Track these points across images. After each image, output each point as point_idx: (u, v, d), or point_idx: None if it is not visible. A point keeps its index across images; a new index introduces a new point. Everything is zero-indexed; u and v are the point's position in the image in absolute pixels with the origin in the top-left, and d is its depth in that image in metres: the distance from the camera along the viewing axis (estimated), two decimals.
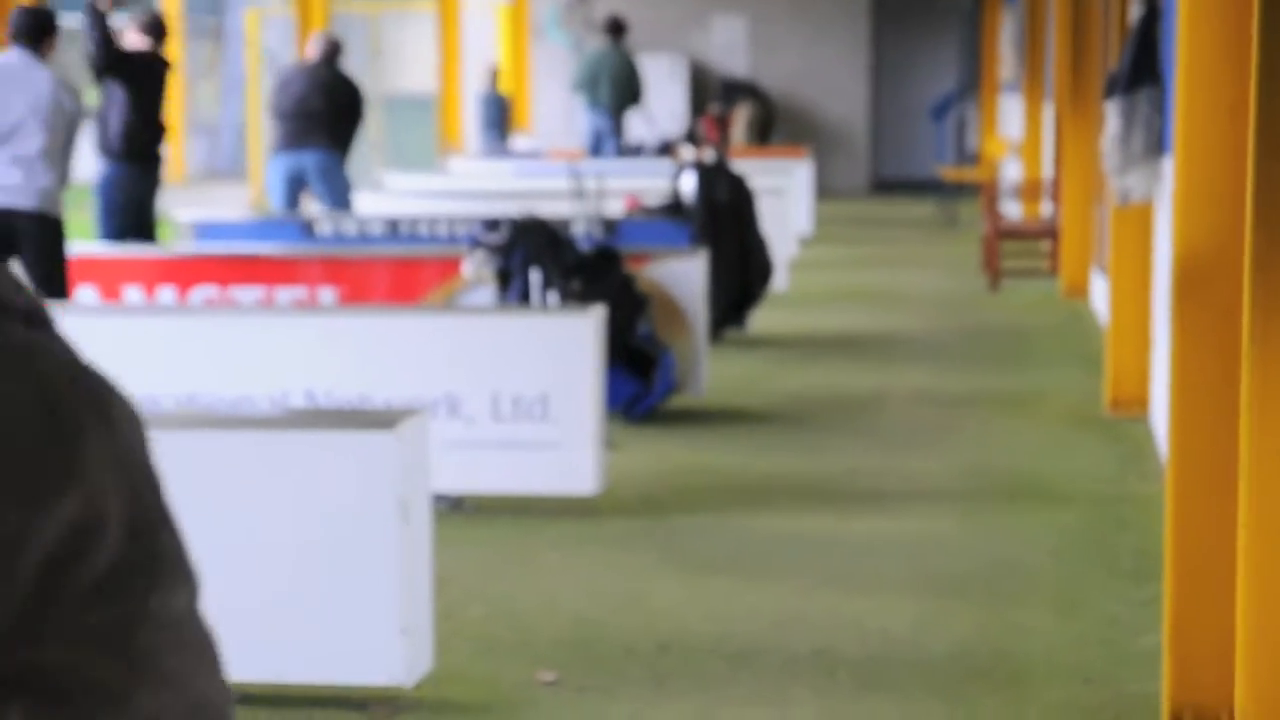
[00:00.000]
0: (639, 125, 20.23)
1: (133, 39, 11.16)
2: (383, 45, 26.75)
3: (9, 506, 1.18)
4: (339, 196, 13.52)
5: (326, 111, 13.54)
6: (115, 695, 1.20)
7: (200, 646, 1.26)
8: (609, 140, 18.80)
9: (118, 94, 10.90)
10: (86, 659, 1.20)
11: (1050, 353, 11.97)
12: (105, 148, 11.02)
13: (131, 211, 11.12)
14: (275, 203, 13.75)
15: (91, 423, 1.23)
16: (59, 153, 9.20)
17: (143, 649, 1.22)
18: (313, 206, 13.76)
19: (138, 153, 11.03)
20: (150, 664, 1.22)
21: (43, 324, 1.26)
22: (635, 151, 19.94)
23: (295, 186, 13.66)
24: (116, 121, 10.93)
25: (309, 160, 13.52)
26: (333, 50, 13.70)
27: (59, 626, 1.20)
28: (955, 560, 7.13)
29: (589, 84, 18.88)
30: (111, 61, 10.71)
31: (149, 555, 1.23)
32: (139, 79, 10.95)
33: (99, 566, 1.21)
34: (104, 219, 11.14)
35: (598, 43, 19.67)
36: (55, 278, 9.24)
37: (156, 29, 11.25)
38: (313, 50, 13.92)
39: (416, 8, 25.23)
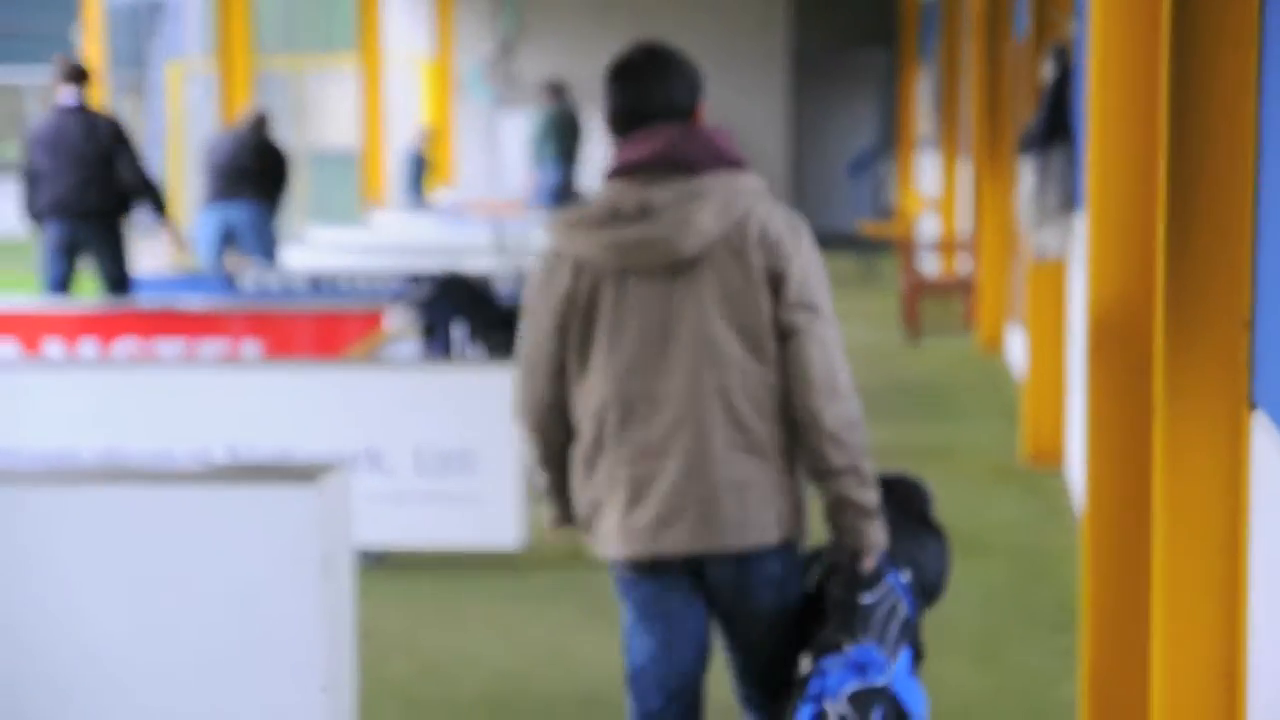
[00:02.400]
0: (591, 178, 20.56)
1: (61, 90, 11.16)
2: (306, 101, 26.73)
3: (791, 258, 4.21)
4: (267, 250, 13.53)
5: (255, 169, 13.60)
6: (819, 309, 4.23)
7: (833, 315, 4.30)
8: (569, 195, 19.33)
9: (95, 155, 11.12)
10: (808, 302, 4.21)
11: (968, 406, 12.08)
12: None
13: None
14: (203, 256, 13.73)
15: (804, 232, 4.25)
16: None
17: (822, 303, 4.24)
18: (238, 260, 13.75)
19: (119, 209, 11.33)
20: (825, 308, 4.25)
21: (769, 196, 4.26)
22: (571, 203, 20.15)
23: (224, 240, 13.67)
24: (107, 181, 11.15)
25: (237, 213, 13.53)
26: (261, 120, 13.79)
27: (801, 297, 4.20)
28: None
29: (533, 143, 19.66)
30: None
31: (819, 279, 4.24)
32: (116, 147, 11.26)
33: (794, 285, 4.19)
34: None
35: (536, 102, 20.27)
36: None
37: (80, 75, 11.25)
38: (242, 118, 14.01)
39: (339, 64, 25.23)
